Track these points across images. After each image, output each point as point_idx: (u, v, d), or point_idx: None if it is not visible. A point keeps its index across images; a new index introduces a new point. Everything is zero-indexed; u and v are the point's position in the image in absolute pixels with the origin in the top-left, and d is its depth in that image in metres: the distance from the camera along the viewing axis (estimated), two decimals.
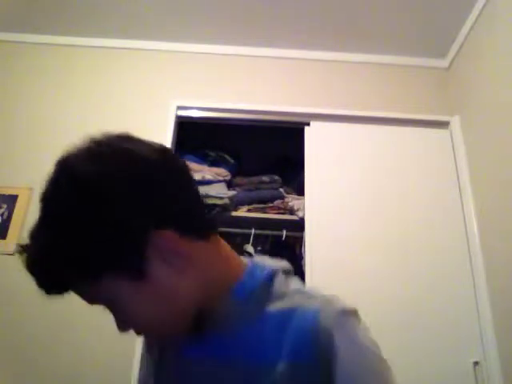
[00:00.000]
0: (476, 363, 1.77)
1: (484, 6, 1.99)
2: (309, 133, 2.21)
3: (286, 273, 0.66)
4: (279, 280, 0.63)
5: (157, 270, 0.55)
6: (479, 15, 2.04)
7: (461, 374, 1.76)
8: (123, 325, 0.60)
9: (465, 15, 2.12)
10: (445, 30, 2.22)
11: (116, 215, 0.52)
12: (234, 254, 0.66)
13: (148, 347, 0.73)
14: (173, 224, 0.55)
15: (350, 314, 0.58)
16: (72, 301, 1.92)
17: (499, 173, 1.82)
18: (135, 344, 1.79)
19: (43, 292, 0.55)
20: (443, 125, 2.25)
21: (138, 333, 0.61)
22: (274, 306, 0.60)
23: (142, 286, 0.55)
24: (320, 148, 2.18)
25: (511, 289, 1.70)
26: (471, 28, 2.12)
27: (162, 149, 0.59)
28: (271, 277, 0.62)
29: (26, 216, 1.99)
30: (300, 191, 2.24)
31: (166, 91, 2.29)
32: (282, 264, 0.67)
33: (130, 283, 0.54)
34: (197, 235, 0.58)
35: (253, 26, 2.27)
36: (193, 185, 0.61)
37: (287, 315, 0.58)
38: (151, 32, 2.35)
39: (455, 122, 2.21)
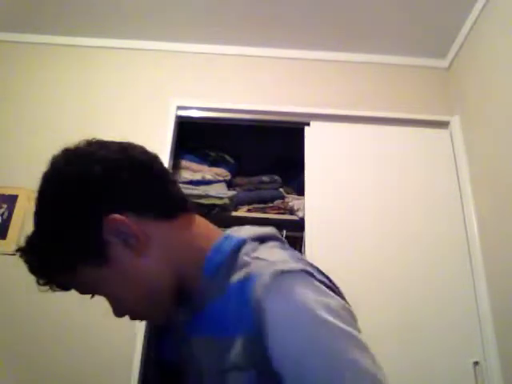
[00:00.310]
0: (476, 363, 1.77)
1: (484, 6, 1.99)
2: (309, 133, 2.21)
3: (262, 240, 0.63)
4: (246, 249, 0.60)
5: (118, 254, 0.58)
6: (479, 15, 2.04)
7: (461, 374, 1.76)
8: (114, 310, 0.63)
9: (465, 15, 2.12)
10: (445, 30, 2.22)
11: (69, 210, 0.58)
12: (210, 230, 0.66)
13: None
14: (126, 209, 0.58)
15: (288, 274, 0.54)
16: (72, 301, 1.92)
17: (499, 173, 1.82)
18: (135, 344, 1.79)
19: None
20: (443, 125, 2.25)
21: (130, 317, 0.64)
22: (235, 278, 0.58)
23: (109, 270, 0.58)
24: (320, 148, 2.18)
25: (511, 289, 1.70)
26: (471, 28, 2.11)
27: (123, 148, 0.64)
28: (238, 247, 0.60)
29: (26, 216, 1.99)
30: (300, 191, 2.24)
31: (166, 91, 2.29)
32: (261, 230, 0.65)
33: (98, 269, 0.58)
34: (159, 216, 0.61)
35: (253, 25, 2.27)
36: (156, 174, 0.64)
37: (243, 285, 0.56)
38: (151, 32, 2.35)
39: (455, 122, 2.21)
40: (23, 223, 1.97)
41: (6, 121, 2.21)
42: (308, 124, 2.23)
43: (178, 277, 0.61)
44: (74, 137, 2.20)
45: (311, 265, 0.60)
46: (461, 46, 2.23)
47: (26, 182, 2.05)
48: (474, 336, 1.83)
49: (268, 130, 2.34)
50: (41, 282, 0.64)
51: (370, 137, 2.21)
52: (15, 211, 1.99)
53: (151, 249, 0.60)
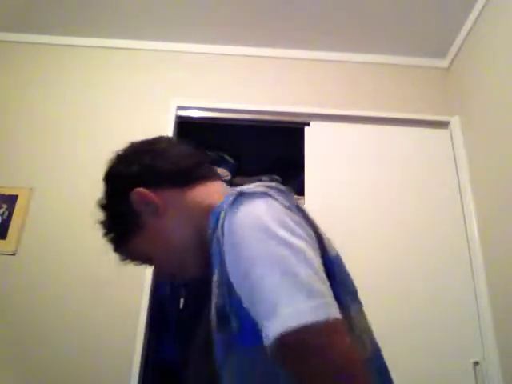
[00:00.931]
0: (476, 363, 1.77)
1: (484, 6, 1.99)
2: (309, 133, 2.21)
3: (261, 194, 0.62)
4: (239, 200, 0.62)
5: (147, 220, 0.74)
6: (479, 15, 2.04)
7: (461, 374, 1.77)
8: (158, 272, 0.81)
9: (465, 15, 2.12)
10: (445, 30, 2.22)
11: (113, 197, 0.81)
12: (221, 191, 0.75)
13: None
14: (147, 185, 0.74)
15: (248, 195, 0.59)
16: (72, 301, 1.92)
17: (499, 173, 1.82)
18: (135, 344, 1.79)
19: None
20: (443, 125, 2.25)
21: (170, 275, 0.82)
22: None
23: (145, 235, 0.75)
24: (320, 148, 2.18)
25: (511, 289, 1.70)
26: (471, 28, 2.12)
27: (148, 143, 0.82)
28: (234, 201, 0.62)
29: (26, 216, 1.99)
30: (300, 191, 2.24)
31: (166, 91, 2.29)
32: (265, 184, 0.65)
33: (139, 236, 0.76)
34: (174, 186, 0.75)
35: (253, 26, 2.27)
36: (170, 153, 0.79)
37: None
38: (151, 32, 2.35)
39: (455, 122, 2.21)
40: (23, 223, 1.97)
41: (5, 121, 2.21)
42: (308, 124, 2.23)
43: (199, 234, 0.69)
44: (74, 136, 2.20)
45: (280, 191, 0.63)
46: (461, 46, 2.23)
47: (26, 182, 2.06)
48: (474, 336, 1.83)
49: (268, 130, 2.34)
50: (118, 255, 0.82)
51: (369, 137, 2.21)
52: (15, 211, 1.99)
53: (170, 212, 0.74)
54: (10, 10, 2.24)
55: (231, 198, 0.60)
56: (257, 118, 2.27)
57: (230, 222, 0.57)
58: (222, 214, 0.59)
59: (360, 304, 0.67)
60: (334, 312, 0.50)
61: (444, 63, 2.39)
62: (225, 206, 0.60)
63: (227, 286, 0.56)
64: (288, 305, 0.48)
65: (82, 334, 1.81)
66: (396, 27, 2.24)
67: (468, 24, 2.13)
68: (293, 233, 0.56)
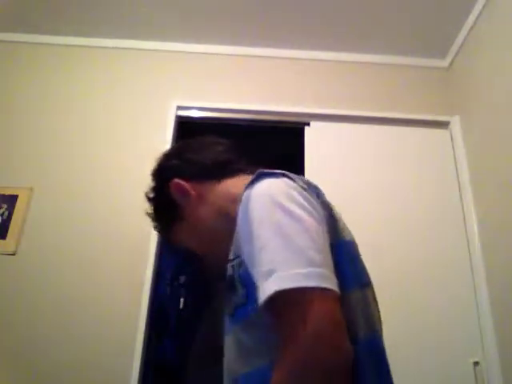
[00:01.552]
0: (476, 363, 1.77)
1: (484, 6, 1.99)
2: (309, 133, 2.21)
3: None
4: (258, 178, 0.67)
5: (184, 209, 0.80)
6: (479, 15, 2.04)
7: (461, 374, 1.77)
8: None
9: (465, 15, 2.12)
10: (445, 30, 2.22)
11: (154, 187, 0.87)
12: (244, 182, 0.75)
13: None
14: (185, 178, 0.81)
15: (267, 174, 0.65)
16: (72, 301, 1.92)
17: (499, 173, 1.82)
18: (135, 344, 1.79)
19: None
20: (443, 125, 2.25)
21: (210, 262, 0.83)
22: None
23: (183, 223, 0.81)
24: (320, 148, 2.18)
25: (511, 289, 1.70)
26: (471, 28, 2.12)
27: (183, 144, 0.94)
28: (253, 179, 0.67)
29: (26, 216, 1.99)
30: None
31: (166, 91, 2.29)
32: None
33: (179, 224, 0.81)
34: (207, 179, 0.81)
35: (253, 26, 2.27)
36: (207, 150, 0.88)
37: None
38: (151, 32, 2.35)
39: (455, 122, 2.21)
40: (23, 223, 1.97)
41: (5, 121, 2.21)
42: (308, 124, 2.23)
43: (230, 222, 0.70)
44: (74, 136, 2.20)
45: (299, 176, 0.69)
46: (461, 46, 2.23)
47: (26, 182, 2.05)
48: (473, 336, 1.83)
49: (268, 130, 2.34)
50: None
51: (369, 137, 2.21)
52: (15, 211, 1.99)
53: (204, 202, 0.79)
54: (10, 10, 2.24)
55: (252, 178, 0.66)
56: (257, 118, 2.27)
57: (246, 194, 0.62)
58: (243, 199, 0.64)
59: (368, 294, 0.71)
60: (326, 282, 0.52)
61: (444, 63, 2.39)
62: (243, 196, 0.65)
63: (238, 255, 0.61)
64: (282, 269, 0.51)
65: (82, 334, 1.81)
66: (396, 27, 2.24)
67: (468, 24, 2.13)
68: (299, 205, 0.59)
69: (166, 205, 0.83)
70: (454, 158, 2.15)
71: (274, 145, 2.44)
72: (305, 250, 0.53)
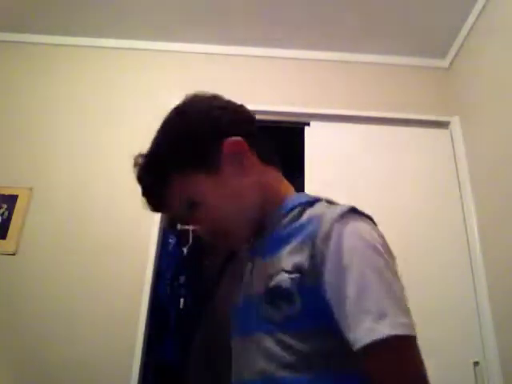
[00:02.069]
0: (476, 363, 1.77)
1: (484, 6, 1.99)
2: (309, 133, 2.21)
3: (329, 202, 0.77)
4: (320, 203, 0.75)
5: (229, 168, 0.73)
6: (479, 15, 2.04)
7: (461, 374, 1.77)
8: (203, 230, 0.75)
9: (465, 15, 2.12)
10: (445, 30, 2.22)
11: (210, 129, 0.76)
12: (287, 185, 0.83)
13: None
14: (248, 142, 0.75)
15: (349, 215, 0.69)
16: (72, 301, 1.92)
17: (499, 173, 1.82)
18: (135, 343, 1.79)
19: (147, 200, 0.77)
20: (443, 125, 2.25)
21: (215, 234, 0.75)
22: (310, 214, 0.71)
23: (218, 180, 0.73)
24: (320, 148, 2.18)
25: (511, 289, 1.70)
26: (471, 28, 2.12)
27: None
28: (313, 201, 0.75)
29: (26, 216, 1.99)
30: (300, 191, 2.23)
31: (166, 91, 2.28)
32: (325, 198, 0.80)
33: (207, 178, 0.72)
34: (261, 156, 0.78)
35: (253, 26, 2.27)
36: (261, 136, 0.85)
37: (315, 217, 0.68)
38: (151, 32, 2.35)
39: (455, 122, 2.21)
40: (23, 223, 1.97)
41: (6, 121, 2.21)
42: (308, 124, 2.23)
43: (261, 206, 0.75)
44: (74, 136, 2.20)
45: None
46: (461, 46, 2.23)
47: (26, 182, 2.06)
48: (474, 336, 1.83)
49: (268, 130, 2.33)
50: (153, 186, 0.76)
51: (369, 137, 2.21)
52: (15, 211, 1.99)
53: (252, 174, 0.75)
54: (9, 10, 2.24)
55: (339, 211, 0.68)
56: (257, 117, 2.26)
57: (338, 230, 0.64)
58: (327, 222, 0.65)
59: None
60: (415, 331, 0.60)
61: (444, 63, 2.39)
62: (328, 215, 0.67)
63: (302, 273, 0.63)
64: (392, 315, 0.58)
65: (82, 334, 1.81)
66: (396, 27, 2.24)
67: (468, 24, 2.13)
68: (389, 255, 0.67)
69: (209, 148, 0.74)
70: (454, 157, 2.15)
71: (274, 145, 2.44)
72: (403, 300, 0.62)
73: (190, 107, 0.84)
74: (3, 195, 2.01)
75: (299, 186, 2.20)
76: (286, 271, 0.65)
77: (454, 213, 2.05)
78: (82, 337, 1.81)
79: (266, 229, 0.75)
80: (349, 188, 2.09)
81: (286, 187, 0.82)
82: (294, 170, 2.31)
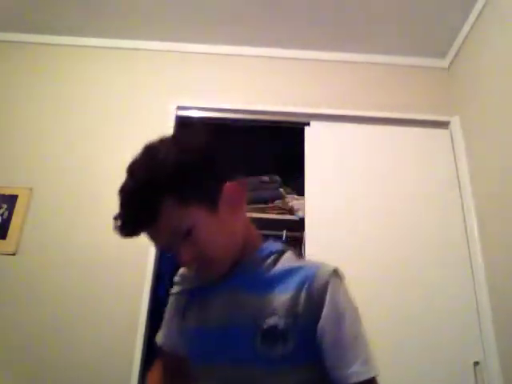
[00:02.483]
0: (476, 363, 1.77)
1: (484, 6, 1.99)
2: (309, 133, 2.21)
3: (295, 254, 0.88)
4: (288, 253, 0.86)
5: (224, 209, 0.79)
6: (479, 15, 2.04)
7: (461, 374, 1.77)
8: (190, 257, 0.78)
9: (465, 15, 2.12)
10: (445, 30, 2.22)
11: (214, 170, 0.80)
12: (254, 227, 0.91)
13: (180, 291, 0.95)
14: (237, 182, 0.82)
15: (338, 274, 0.82)
16: (72, 301, 1.91)
17: (499, 173, 1.82)
18: (135, 345, 1.79)
19: (129, 224, 0.74)
20: (443, 125, 2.25)
21: (202, 262, 0.79)
22: (284, 264, 0.82)
23: (215, 217, 0.78)
24: (320, 148, 2.18)
25: (511, 289, 1.70)
26: (471, 28, 2.12)
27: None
28: (283, 250, 0.86)
29: (26, 216, 1.99)
30: (300, 191, 2.24)
31: (165, 91, 2.29)
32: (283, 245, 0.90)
33: (207, 213, 0.77)
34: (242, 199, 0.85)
35: (253, 26, 2.27)
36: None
37: (294, 269, 0.80)
38: (151, 32, 2.35)
39: (455, 122, 2.21)
40: (23, 223, 1.97)
41: (5, 121, 2.21)
42: (308, 124, 2.23)
43: (243, 244, 0.83)
44: (74, 136, 2.20)
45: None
46: (461, 46, 2.23)
47: (26, 182, 2.06)
48: (473, 336, 1.83)
49: (268, 130, 2.34)
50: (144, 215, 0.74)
51: (369, 137, 2.21)
52: (15, 211, 1.99)
53: (241, 215, 0.84)
54: (10, 10, 2.24)
55: (331, 269, 0.80)
56: (257, 117, 2.27)
57: (335, 288, 0.77)
58: (323, 276, 0.78)
59: None
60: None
61: (444, 63, 2.39)
62: (322, 270, 0.79)
63: (296, 317, 0.74)
64: (371, 360, 0.73)
65: (82, 334, 1.81)
66: (396, 27, 2.24)
67: (468, 24, 2.13)
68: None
69: (214, 187, 0.79)
70: (454, 157, 2.15)
71: (274, 145, 2.44)
72: (370, 348, 0.74)
73: (197, 144, 0.84)
74: (3, 195, 2.01)
75: (299, 185, 2.21)
76: (281, 314, 0.75)
77: (453, 213, 2.04)
78: (81, 338, 1.81)
79: (242, 265, 0.83)
80: (348, 188, 2.09)
81: (256, 230, 0.91)
82: (294, 170, 2.32)
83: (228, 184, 0.81)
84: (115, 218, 0.74)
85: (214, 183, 0.80)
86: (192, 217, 0.75)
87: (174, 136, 0.92)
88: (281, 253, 0.85)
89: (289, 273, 0.80)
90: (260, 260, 0.83)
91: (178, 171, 0.75)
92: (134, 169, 0.79)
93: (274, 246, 0.87)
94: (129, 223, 0.74)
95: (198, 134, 0.85)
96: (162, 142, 0.84)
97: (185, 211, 0.75)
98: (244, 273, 0.83)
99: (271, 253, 0.84)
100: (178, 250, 0.77)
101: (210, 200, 0.78)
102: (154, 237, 0.77)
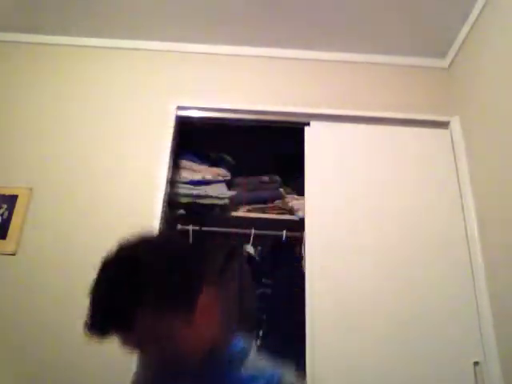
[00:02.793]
0: (476, 363, 1.77)
1: (484, 6, 1.99)
2: (309, 133, 2.21)
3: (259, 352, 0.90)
4: (252, 353, 0.87)
5: (198, 315, 0.78)
6: (479, 15, 2.04)
7: (461, 374, 1.76)
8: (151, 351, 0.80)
9: (465, 15, 2.12)
10: (445, 30, 2.22)
11: (191, 278, 0.80)
12: None
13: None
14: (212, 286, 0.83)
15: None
16: (71, 301, 1.90)
17: (499, 173, 1.82)
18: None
19: (96, 330, 0.78)
20: (443, 125, 2.24)
21: (166, 359, 0.80)
22: (248, 367, 0.83)
23: (190, 324, 0.78)
24: (320, 148, 2.18)
25: (511, 289, 1.70)
26: (471, 28, 2.11)
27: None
28: (246, 351, 0.87)
29: (26, 216, 1.99)
30: (300, 191, 2.24)
31: (165, 91, 2.29)
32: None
33: (183, 321, 0.77)
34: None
35: (252, 26, 2.27)
36: None
37: (256, 376, 0.81)
38: (151, 32, 2.35)
39: (455, 122, 2.21)
40: (23, 223, 1.97)
41: (5, 121, 2.21)
42: (308, 124, 2.23)
43: (213, 343, 0.83)
44: (73, 136, 2.19)
45: None
46: (461, 46, 2.23)
47: (26, 182, 2.06)
48: (474, 336, 1.83)
49: (268, 130, 2.34)
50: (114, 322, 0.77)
51: (369, 137, 2.21)
52: (15, 211, 1.99)
53: (214, 319, 0.83)
54: (10, 10, 2.24)
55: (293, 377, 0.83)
56: (257, 118, 2.27)
57: None
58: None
59: None
60: None
61: (444, 63, 2.39)
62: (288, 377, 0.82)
63: None
64: None
65: (82, 335, 1.81)
66: (396, 27, 2.23)
67: (468, 24, 2.13)
68: None
69: (192, 293, 0.79)
70: (454, 158, 2.15)
71: (274, 145, 2.44)
72: None
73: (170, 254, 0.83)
74: (3, 195, 2.01)
75: (299, 185, 2.21)
76: None
77: (453, 213, 2.04)
78: (81, 336, 1.80)
79: (207, 365, 0.83)
80: (348, 188, 2.09)
81: (227, 327, 0.91)
82: (294, 170, 2.32)
83: (203, 290, 0.80)
84: (86, 317, 0.78)
85: (191, 291, 0.79)
86: (167, 326, 0.75)
87: (151, 240, 0.90)
88: (245, 354, 0.86)
89: (252, 380, 0.80)
90: (234, 356, 0.84)
91: (154, 280, 0.74)
92: (109, 274, 0.79)
93: (239, 344, 0.88)
94: (98, 329, 0.78)
95: (174, 238, 0.88)
96: (139, 246, 0.84)
97: (160, 320, 0.75)
98: (210, 372, 0.83)
99: (237, 353, 0.85)
100: (148, 351, 0.79)
101: (186, 308, 0.78)
102: (123, 339, 0.79)
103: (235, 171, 2.48)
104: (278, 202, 2.38)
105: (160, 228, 2.00)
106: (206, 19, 2.25)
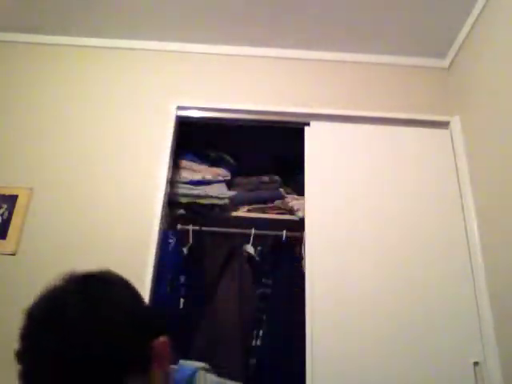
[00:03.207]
0: (476, 363, 1.77)
1: (484, 6, 1.99)
2: (309, 133, 2.21)
3: (206, 370, 0.91)
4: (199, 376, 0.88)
5: (154, 366, 0.75)
6: (479, 15, 2.04)
7: (461, 374, 1.76)
8: None
9: (465, 15, 2.12)
10: (445, 30, 2.22)
11: (143, 328, 0.77)
12: None
13: None
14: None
15: None
16: None
17: (499, 173, 1.82)
18: None
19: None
20: (443, 125, 2.25)
21: None
22: None
23: (146, 376, 0.74)
24: (320, 148, 2.18)
25: (511, 289, 1.70)
26: (471, 28, 2.12)
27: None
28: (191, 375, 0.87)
29: (26, 216, 1.99)
30: (300, 191, 2.24)
31: (165, 91, 2.29)
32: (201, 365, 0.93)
33: (139, 373, 0.74)
34: None
35: (252, 25, 2.27)
36: None
37: None
38: (151, 32, 2.35)
39: (455, 122, 2.21)
40: (23, 223, 1.97)
41: (5, 121, 2.21)
42: (308, 124, 2.23)
43: None
44: (73, 136, 2.20)
45: None
46: (461, 46, 2.23)
47: (26, 182, 2.06)
48: (474, 336, 1.83)
49: (268, 130, 2.34)
50: None
51: (369, 137, 2.21)
52: (15, 211, 1.99)
53: (167, 369, 0.81)
54: (10, 10, 2.24)
55: None
56: (257, 117, 2.27)
57: None
58: None
59: None
60: None
61: (444, 63, 2.39)
62: None
63: None
64: None
65: None
66: (396, 27, 2.23)
67: (468, 24, 2.13)
68: None
69: (137, 348, 0.75)
70: (454, 158, 2.15)
71: (274, 145, 2.44)
72: None
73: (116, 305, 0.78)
74: (3, 195, 2.01)
75: (299, 185, 2.21)
76: None
77: (453, 213, 2.04)
78: None
79: None
80: (348, 188, 2.09)
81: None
82: (294, 170, 2.32)
83: (157, 342, 0.77)
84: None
85: (145, 343, 0.75)
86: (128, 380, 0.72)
87: (97, 297, 0.80)
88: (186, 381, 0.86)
89: None
90: None
91: (107, 336, 0.72)
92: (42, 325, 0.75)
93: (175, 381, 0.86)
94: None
95: (120, 290, 0.83)
96: (86, 297, 0.78)
97: (117, 377, 0.72)
98: None
99: None
100: None
101: (142, 361, 0.75)
102: None
103: (235, 171, 2.48)
104: (278, 202, 2.38)
105: (160, 228, 2.00)
106: (205, 19, 2.25)
